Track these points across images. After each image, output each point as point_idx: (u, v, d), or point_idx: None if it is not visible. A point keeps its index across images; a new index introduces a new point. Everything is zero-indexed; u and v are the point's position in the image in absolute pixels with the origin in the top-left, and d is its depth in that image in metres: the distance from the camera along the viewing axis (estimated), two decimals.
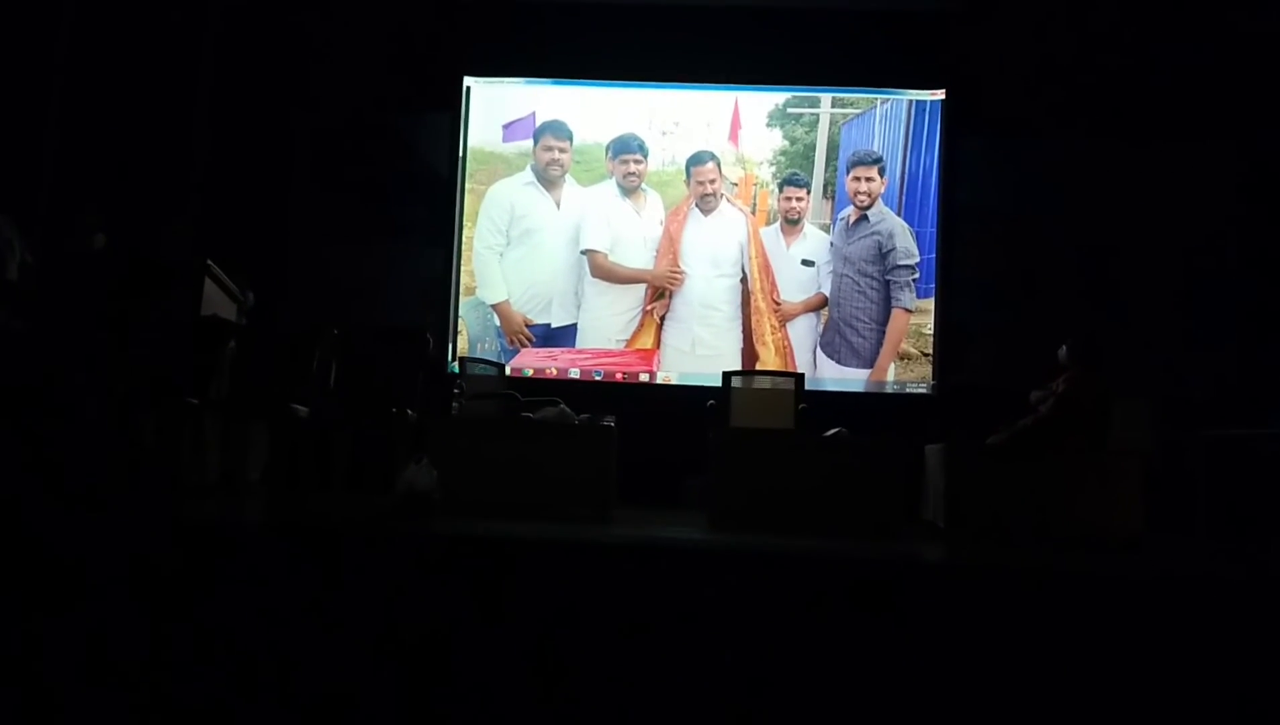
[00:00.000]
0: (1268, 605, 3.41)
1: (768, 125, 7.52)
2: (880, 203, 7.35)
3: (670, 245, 7.40)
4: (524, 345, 7.41)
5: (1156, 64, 7.16)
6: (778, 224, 7.40)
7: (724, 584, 3.49)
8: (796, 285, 7.36)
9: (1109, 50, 7.22)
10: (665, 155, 7.53)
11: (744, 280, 7.38)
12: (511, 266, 7.46)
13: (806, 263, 7.36)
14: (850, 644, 3.42)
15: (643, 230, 7.43)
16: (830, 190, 7.43)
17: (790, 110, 7.51)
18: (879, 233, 7.33)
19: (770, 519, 4.88)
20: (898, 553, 4.15)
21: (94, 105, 6.88)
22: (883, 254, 7.31)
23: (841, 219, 7.39)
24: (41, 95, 6.70)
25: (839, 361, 7.27)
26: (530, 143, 7.56)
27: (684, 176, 7.48)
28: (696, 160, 7.48)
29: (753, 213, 7.45)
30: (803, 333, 7.33)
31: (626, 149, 7.48)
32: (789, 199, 7.39)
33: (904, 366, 7.26)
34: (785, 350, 7.29)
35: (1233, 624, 3.38)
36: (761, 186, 7.48)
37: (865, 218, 7.34)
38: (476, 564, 3.56)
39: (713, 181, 7.43)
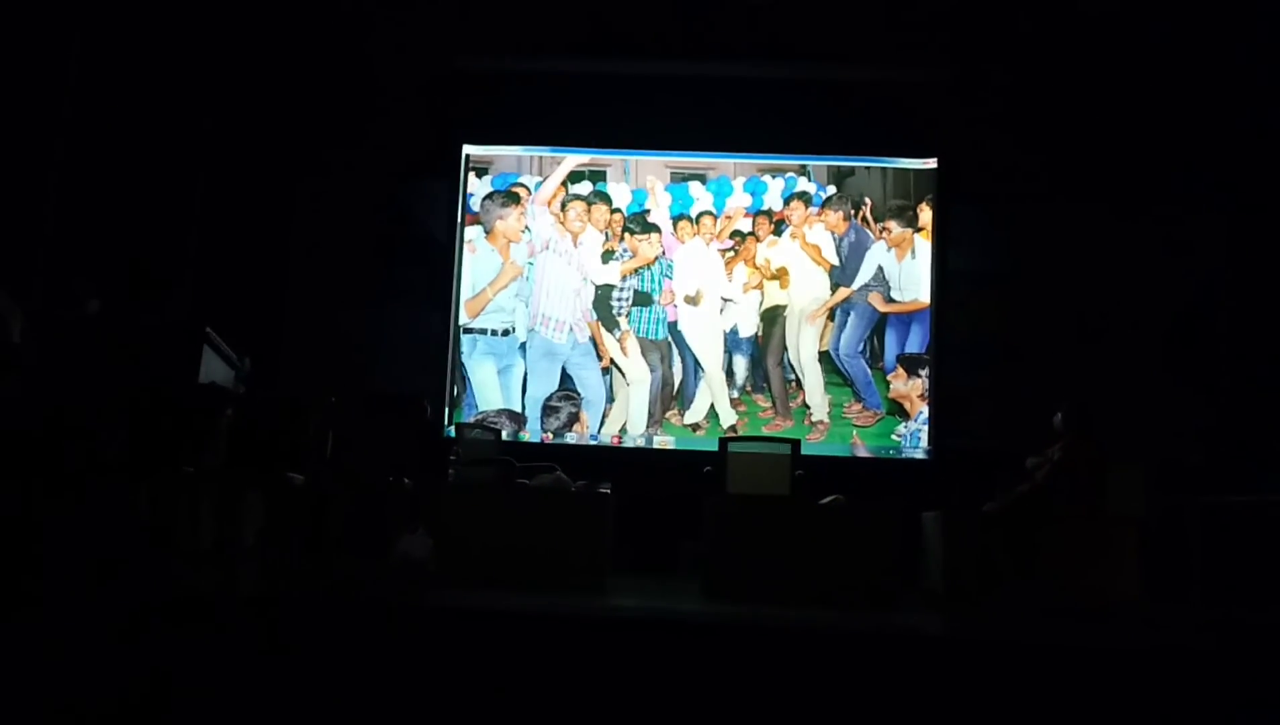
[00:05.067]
0: (1260, 674, 3.40)
1: None
2: None
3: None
4: None
5: (1146, 133, 7.26)
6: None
7: (717, 658, 3.48)
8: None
9: (1099, 118, 7.32)
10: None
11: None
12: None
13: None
14: (848, 719, 3.39)
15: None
16: None
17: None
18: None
19: (766, 587, 4.86)
20: (895, 624, 4.13)
21: (92, 171, 6.95)
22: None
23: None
24: (40, 163, 6.78)
25: None
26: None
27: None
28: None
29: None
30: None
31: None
32: None
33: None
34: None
35: (1227, 694, 3.37)
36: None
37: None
38: (470, 636, 3.56)
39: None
